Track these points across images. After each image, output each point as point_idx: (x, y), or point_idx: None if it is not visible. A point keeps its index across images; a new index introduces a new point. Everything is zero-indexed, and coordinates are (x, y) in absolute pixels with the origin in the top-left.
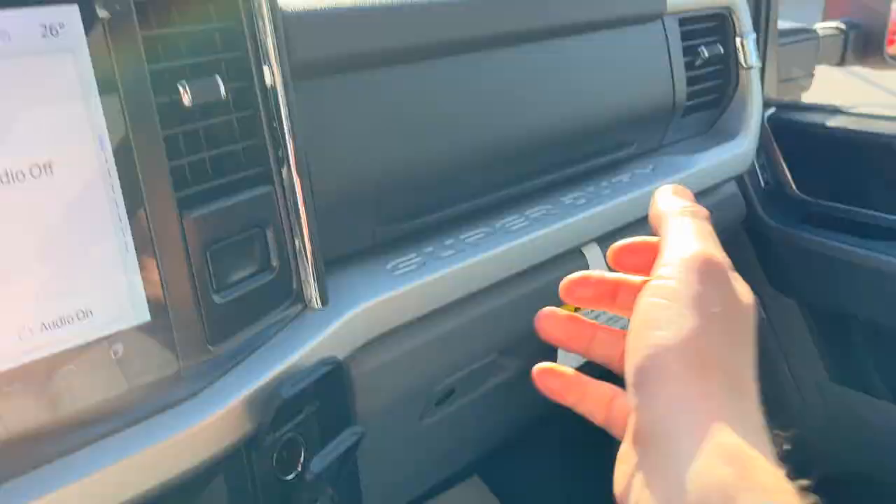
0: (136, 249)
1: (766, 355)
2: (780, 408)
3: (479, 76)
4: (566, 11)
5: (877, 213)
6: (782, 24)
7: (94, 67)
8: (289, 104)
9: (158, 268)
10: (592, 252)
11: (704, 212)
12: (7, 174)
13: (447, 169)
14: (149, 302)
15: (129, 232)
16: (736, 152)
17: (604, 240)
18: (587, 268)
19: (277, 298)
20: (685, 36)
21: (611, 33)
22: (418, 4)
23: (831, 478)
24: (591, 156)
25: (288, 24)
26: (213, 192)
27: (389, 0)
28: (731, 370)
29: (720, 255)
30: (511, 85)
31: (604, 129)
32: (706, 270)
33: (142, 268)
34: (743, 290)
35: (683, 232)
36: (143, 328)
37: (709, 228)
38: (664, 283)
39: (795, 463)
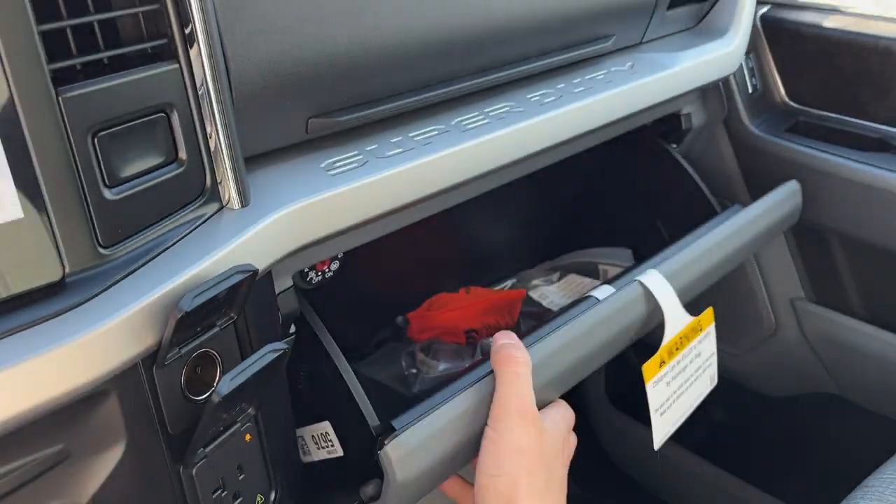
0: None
1: (739, 271)
2: (751, 326)
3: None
4: None
5: (870, 124)
6: None
7: None
8: None
9: (30, 156)
10: (654, 280)
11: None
12: None
13: (394, 52)
14: (21, 196)
15: None
16: (723, 52)
17: (574, 141)
18: (660, 311)
19: (187, 196)
20: None
21: None
22: None
23: (800, 396)
24: (563, 48)
25: None
26: (101, 66)
27: None
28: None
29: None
30: None
31: (577, 17)
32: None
33: (9, 156)
34: (550, 424)
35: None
36: (13, 227)
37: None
38: (488, 433)
39: None
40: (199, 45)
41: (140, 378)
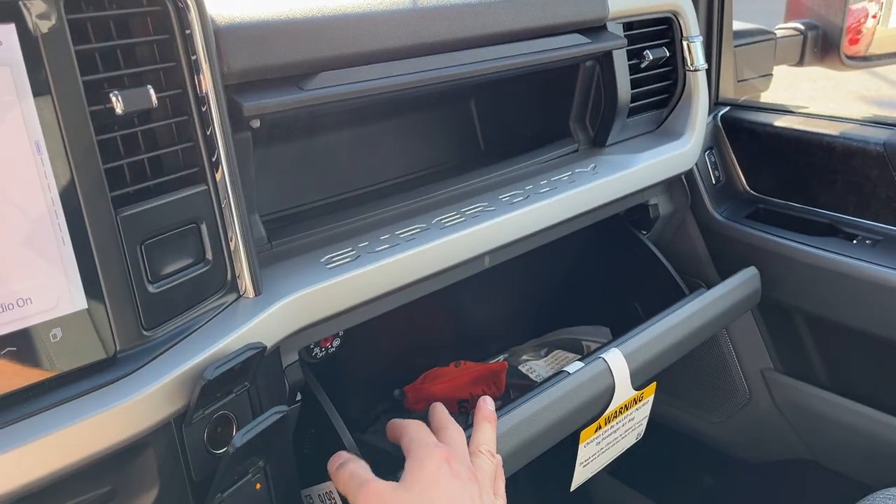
0: (72, 244)
1: (714, 345)
2: (727, 395)
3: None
4: (509, 19)
5: (818, 210)
6: (740, 25)
7: (30, 80)
8: (220, 110)
9: (94, 261)
10: (614, 358)
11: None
12: None
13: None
14: (85, 291)
15: (65, 228)
16: (679, 151)
17: (537, 236)
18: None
19: (212, 288)
20: (630, 40)
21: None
22: (345, 17)
23: (778, 462)
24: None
25: (219, 35)
26: (149, 191)
27: (317, 12)
28: None
29: None
30: (449, 86)
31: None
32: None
33: (78, 261)
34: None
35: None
36: (79, 315)
37: None
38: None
39: None
40: (223, 171)
41: (172, 434)
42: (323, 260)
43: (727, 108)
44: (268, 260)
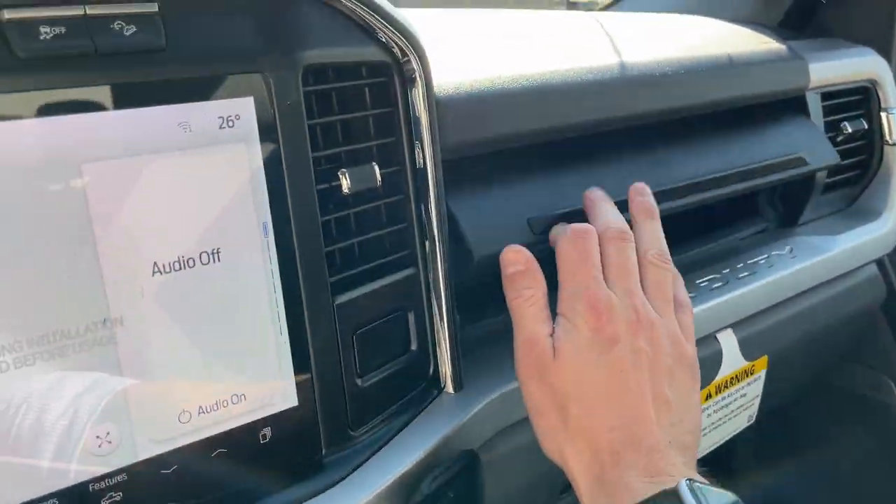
0: (289, 334)
1: None
2: None
3: (618, 154)
4: (711, 89)
5: None
6: None
7: (264, 156)
8: (437, 187)
9: (309, 352)
10: (727, 339)
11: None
12: (180, 260)
13: None
14: (297, 386)
15: (283, 317)
16: (879, 233)
17: (739, 326)
18: (720, 354)
19: (414, 382)
20: (827, 111)
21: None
22: (555, 87)
23: None
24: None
25: (440, 107)
26: (361, 276)
27: (535, 83)
28: None
29: None
30: (646, 158)
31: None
32: None
33: (294, 352)
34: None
35: None
36: (290, 412)
37: None
38: None
39: None
40: (436, 253)
41: None
42: None
43: None
44: (467, 348)
